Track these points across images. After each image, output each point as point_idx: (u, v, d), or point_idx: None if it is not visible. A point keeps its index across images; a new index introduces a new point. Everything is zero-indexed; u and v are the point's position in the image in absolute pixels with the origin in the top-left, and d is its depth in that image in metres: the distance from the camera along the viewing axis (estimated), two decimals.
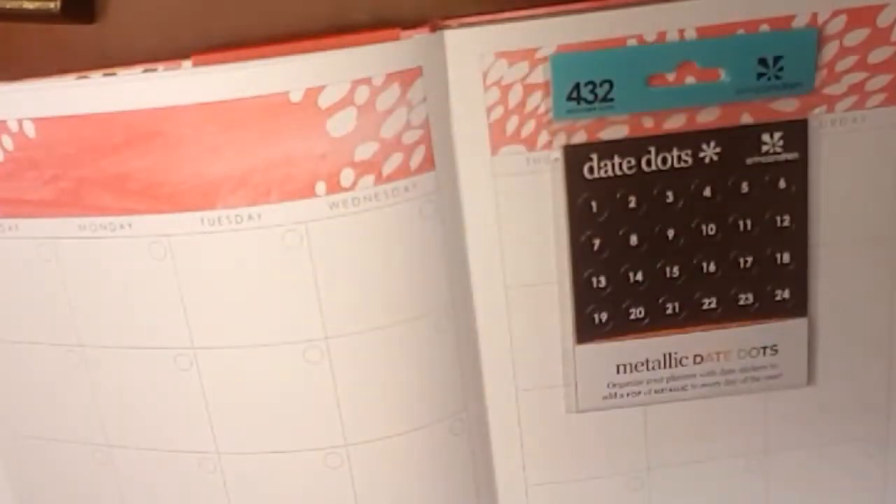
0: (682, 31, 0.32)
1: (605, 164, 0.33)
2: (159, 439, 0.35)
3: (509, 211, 0.33)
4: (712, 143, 0.33)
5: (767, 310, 0.35)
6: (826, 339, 0.35)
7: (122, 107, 0.31)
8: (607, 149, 0.33)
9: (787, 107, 0.33)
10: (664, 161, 0.33)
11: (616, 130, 0.33)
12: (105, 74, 0.32)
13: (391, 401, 0.34)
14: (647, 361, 0.35)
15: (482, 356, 0.35)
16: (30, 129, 0.32)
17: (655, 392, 0.35)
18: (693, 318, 0.35)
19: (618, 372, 0.35)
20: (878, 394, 0.36)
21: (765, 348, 0.35)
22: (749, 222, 0.34)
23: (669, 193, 0.33)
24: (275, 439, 0.34)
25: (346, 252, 0.32)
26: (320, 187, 0.31)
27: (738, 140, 0.33)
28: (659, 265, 0.34)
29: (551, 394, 0.35)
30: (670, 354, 0.35)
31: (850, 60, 0.32)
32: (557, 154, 0.33)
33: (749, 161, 0.33)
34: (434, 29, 0.32)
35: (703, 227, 0.34)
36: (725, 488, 0.37)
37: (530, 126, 0.32)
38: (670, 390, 0.35)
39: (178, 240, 0.32)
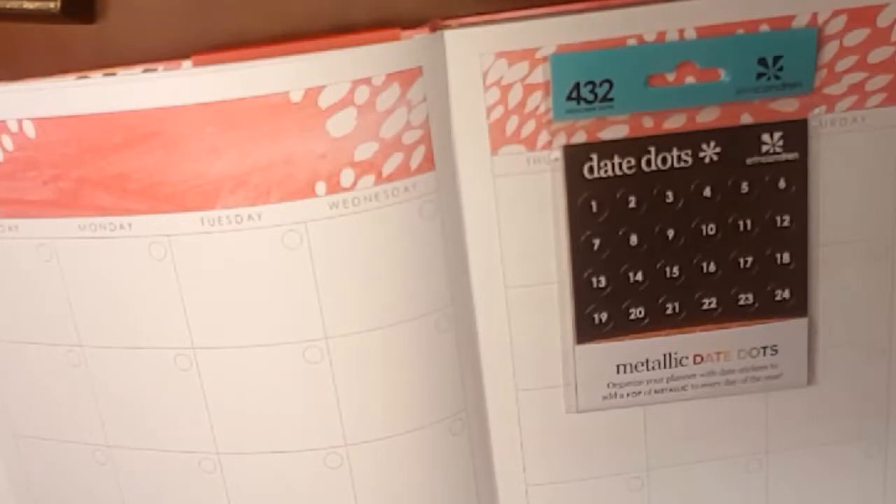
0: (681, 31, 0.32)
1: (605, 164, 0.33)
2: (159, 439, 0.35)
3: (509, 211, 0.33)
4: (712, 143, 0.33)
5: (767, 310, 0.35)
6: (826, 339, 0.35)
7: (122, 107, 0.31)
8: (607, 149, 0.33)
9: (787, 107, 0.33)
10: (664, 161, 0.33)
11: (616, 130, 0.33)
12: (105, 74, 0.32)
13: (391, 401, 0.34)
14: (647, 361, 0.35)
15: (482, 356, 0.35)
16: (30, 129, 0.32)
17: (655, 392, 0.35)
18: (693, 318, 0.35)
19: (618, 372, 0.35)
20: (878, 394, 0.36)
21: (765, 348, 0.35)
22: (749, 222, 0.34)
23: (669, 193, 0.33)
24: (275, 439, 0.34)
25: (346, 252, 0.32)
26: (320, 187, 0.31)
27: (738, 140, 0.33)
28: (659, 265, 0.34)
29: (551, 394, 0.35)
30: (670, 354, 0.35)
31: (850, 60, 0.32)
32: (557, 154, 0.33)
33: (749, 161, 0.33)
34: (434, 29, 0.32)
35: (703, 227, 0.34)
36: (725, 488, 0.37)
37: (530, 126, 0.32)
38: (670, 390, 0.35)
39: (178, 240, 0.32)
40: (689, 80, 0.32)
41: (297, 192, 0.31)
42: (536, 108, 0.32)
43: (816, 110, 0.33)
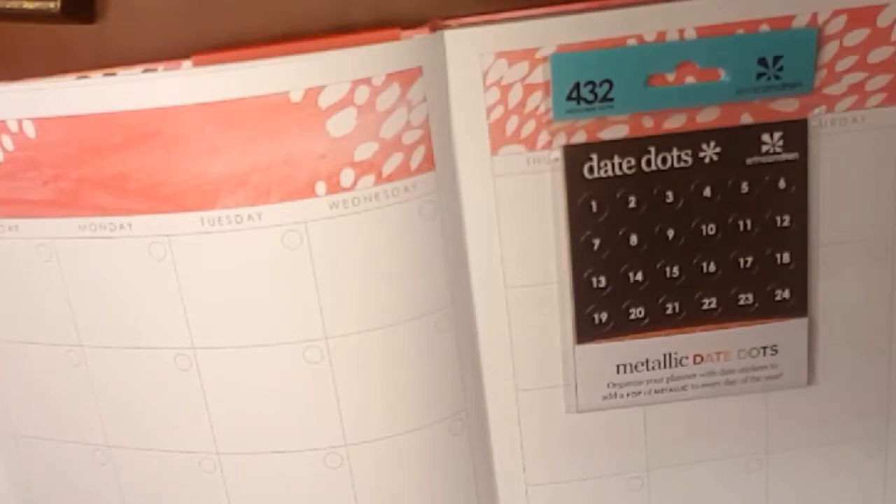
0: (681, 31, 0.32)
1: (605, 164, 0.33)
2: (159, 439, 0.35)
3: (509, 211, 0.33)
4: (712, 143, 0.33)
5: (767, 310, 0.35)
6: (826, 339, 0.35)
7: (122, 107, 0.31)
8: (607, 149, 0.33)
9: (787, 107, 0.33)
10: (664, 161, 0.33)
11: (616, 130, 0.33)
12: (105, 74, 0.32)
13: (391, 401, 0.34)
14: (647, 361, 0.35)
15: (482, 356, 0.35)
16: (30, 129, 0.32)
17: (655, 392, 0.35)
18: (693, 318, 0.35)
19: (618, 372, 0.35)
20: (878, 394, 0.36)
21: (765, 348, 0.35)
22: (749, 222, 0.34)
23: (669, 193, 0.33)
24: (275, 439, 0.34)
25: (346, 252, 0.32)
26: (320, 187, 0.31)
27: (738, 140, 0.33)
28: (659, 265, 0.34)
29: (551, 394, 0.35)
30: (670, 354, 0.35)
31: (850, 60, 0.32)
32: (557, 154, 0.33)
33: (749, 161, 0.33)
34: (434, 29, 0.32)
35: (703, 227, 0.34)
36: (725, 488, 0.37)
37: (530, 126, 0.32)
38: (670, 390, 0.35)
39: (178, 240, 0.32)
40: (689, 80, 0.32)
41: (297, 192, 0.31)
42: (536, 108, 0.32)
43: (816, 110, 0.33)
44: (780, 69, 0.32)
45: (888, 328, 0.35)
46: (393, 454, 0.34)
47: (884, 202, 0.34)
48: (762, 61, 0.32)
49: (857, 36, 0.32)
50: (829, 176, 0.33)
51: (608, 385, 0.35)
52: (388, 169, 0.32)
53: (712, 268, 0.34)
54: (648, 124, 0.33)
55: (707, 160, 0.33)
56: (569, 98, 0.32)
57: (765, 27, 0.31)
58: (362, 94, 0.31)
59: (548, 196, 0.33)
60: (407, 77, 0.31)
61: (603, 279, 0.34)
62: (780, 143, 0.33)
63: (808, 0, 0.31)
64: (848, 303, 0.35)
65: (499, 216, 0.33)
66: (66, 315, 0.34)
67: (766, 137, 0.33)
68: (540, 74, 0.32)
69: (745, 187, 0.33)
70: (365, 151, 0.31)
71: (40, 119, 0.31)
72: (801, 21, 0.32)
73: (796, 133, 0.33)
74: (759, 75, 0.32)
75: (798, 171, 0.33)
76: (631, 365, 0.35)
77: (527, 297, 0.34)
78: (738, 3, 0.31)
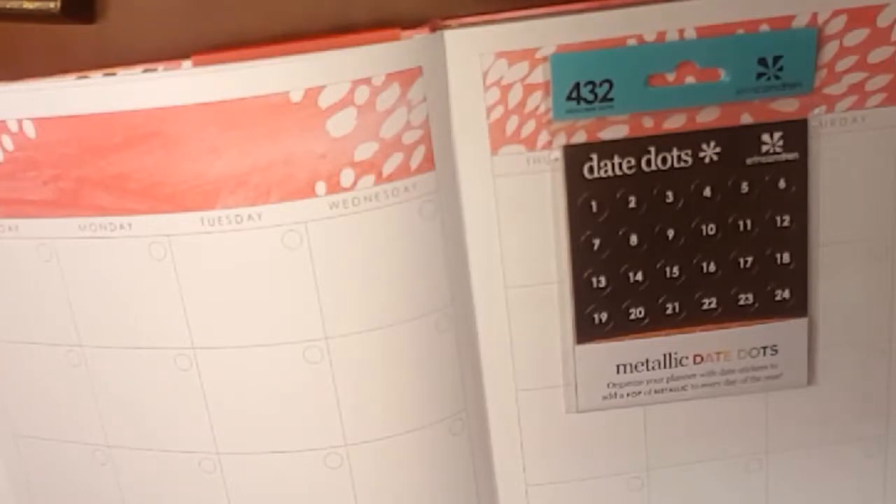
0: (681, 31, 0.32)
1: (605, 164, 0.33)
2: (159, 439, 0.35)
3: (509, 211, 0.33)
4: (712, 143, 0.33)
5: (767, 310, 0.35)
6: (826, 339, 0.35)
7: (122, 107, 0.31)
8: (607, 149, 0.33)
9: (787, 107, 0.33)
10: (664, 161, 0.33)
11: (616, 130, 0.33)
12: (105, 74, 0.32)
13: (391, 401, 0.34)
14: (647, 361, 0.35)
15: (482, 356, 0.35)
16: (30, 129, 0.32)
17: (655, 392, 0.35)
18: (693, 318, 0.35)
19: (618, 372, 0.35)
20: (878, 394, 0.36)
21: (765, 348, 0.35)
22: (749, 222, 0.34)
23: (669, 193, 0.33)
24: (275, 439, 0.34)
25: (346, 252, 0.32)
26: (320, 187, 0.31)
27: (738, 140, 0.33)
28: (659, 265, 0.34)
29: (551, 394, 0.35)
30: (670, 354, 0.35)
31: (850, 60, 0.32)
32: (557, 154, 0.33)
33: (749, 161, 0.33)
34: (434, 29, 0.32)
35: (703, 227, 0.34)
36: (725, 488, 0.37)
37: (530, 126, 0.33)
38: (670, 390, 0.35)
39: (178, 240, 0.32)
40: (689, 80, 0.32)
41: (297, 192, 0.31)
42: (536, 108, 0.32)
43: (816, 110, 0.33)
44: (780, 69, 0.32)
45: (888, 328, 0.35)
46: (393, 454, 0.34)
47: (884, 202, 0.34)
48: (762, 61, 0.32)
49: (857, 36, 0.32)
50: (829, 176, 0.33)
51: (608, 385, 0.35)
52: (388, 169, 0.32)
53: (712, 268, 0.34)
54: (648, 124, 0.33)
55: (707, 160, 0.33)
56: (569, 98, 0.32)
57: (765, 27, 0.31)
58: (362, 94, 0.31)
59: (548, 196, 0.33)
60: (407, 77, 0.31)
61: (603, 279, 0.34)
62: (780, 143, 0.33)
63: (808, 0, 0.31)
64: (848, 303, 0.35)
65: (499, 216, 0.33)
66: (66, 315, 0.34)
67: (766, 137, 0.33)
68: (540, 74, 0.32)
69: (745, 187, 0.33)
70: (365, 151, 0.31)
71: (40, 119, 0.31)
72: (801, 21, 0.32)
73: (796, 133, 0.33)
74: (759, 75, 0.32)
75: (798, 171, 0.33)
76: (631, 365, 0.35)
77: (527, 297, 0.34)
78: (738, 3, 0.31)
